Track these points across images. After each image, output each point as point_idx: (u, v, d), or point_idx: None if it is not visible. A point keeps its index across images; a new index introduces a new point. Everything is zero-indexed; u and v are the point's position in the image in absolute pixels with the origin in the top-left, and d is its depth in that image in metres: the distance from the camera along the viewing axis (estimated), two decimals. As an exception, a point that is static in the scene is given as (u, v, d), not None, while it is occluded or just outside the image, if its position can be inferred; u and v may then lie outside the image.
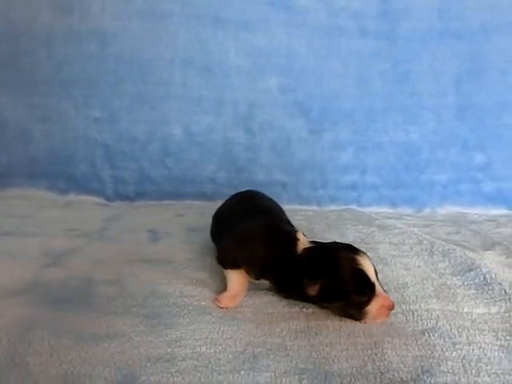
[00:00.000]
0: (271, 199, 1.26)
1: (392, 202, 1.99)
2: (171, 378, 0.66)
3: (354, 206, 1.97)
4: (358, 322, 0.85)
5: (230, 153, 1.96)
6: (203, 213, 1.61)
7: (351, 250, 0.87)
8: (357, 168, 2.00)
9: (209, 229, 1.25)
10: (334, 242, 0.95)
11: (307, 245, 0.91)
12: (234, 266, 0.95)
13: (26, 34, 1.86)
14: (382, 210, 1.96)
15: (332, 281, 0.83)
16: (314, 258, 0.87)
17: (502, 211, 1.90)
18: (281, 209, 1.22)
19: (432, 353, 0.76)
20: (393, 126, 1.98)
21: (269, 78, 1.96)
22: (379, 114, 1.98)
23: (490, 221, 1.73)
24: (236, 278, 0.94)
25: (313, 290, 0.85)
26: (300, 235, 0.94)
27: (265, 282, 0.95)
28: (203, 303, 0.90)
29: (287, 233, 0.95)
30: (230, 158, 1.96)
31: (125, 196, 1.91)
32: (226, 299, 0.91)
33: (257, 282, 0.96)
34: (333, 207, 1.96)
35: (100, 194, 1.90)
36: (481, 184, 1.96)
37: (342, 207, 1.95)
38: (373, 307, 0.83)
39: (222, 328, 0.80)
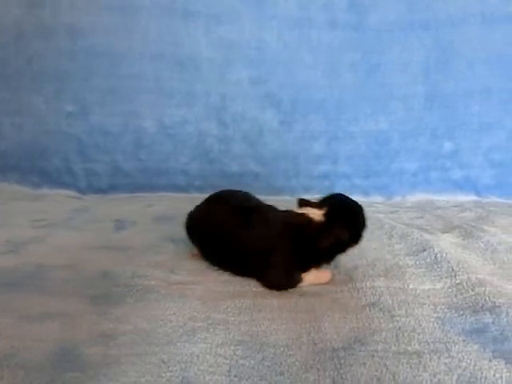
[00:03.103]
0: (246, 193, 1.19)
1: (363, 190, 2.02)
2: (107, 350, 0.69)
3: (326, 195, 1.99)
4: (302, 299, 0.88)
5: (203, 144, 1.98)
6: (173, 203, 1.64)
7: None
8: (329, 158, 2.02)
9: (176, 218, 1.24)
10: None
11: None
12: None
13: (-4, 29, 1.87)
14: (353, 199, 1.98)
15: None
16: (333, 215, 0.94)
17: (471, 197, 1.93)
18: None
19: (369, 325, 0.79)
20: (363, 115, 2.01)
21: (240, 70, 1.98)
22: (350, 105, 2.00)
23: (456, 206, 1.76)
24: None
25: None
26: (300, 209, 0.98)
27: None
28: (153, 282, 0.92)
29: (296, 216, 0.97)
30: (202, 149, 1.98)
31: (98, 189, 1.93)
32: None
33: None
34: (306, 197, 1.98)
35: (73, 188, 1.91)
36: (449, 172, 1.99)
37: (316, 196, 1.97)
38: None
39: (166, 305, 0.83)
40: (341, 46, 1.98)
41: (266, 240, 0.95)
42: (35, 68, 1.89)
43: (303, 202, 1.01)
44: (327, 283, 0.97)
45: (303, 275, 0.95)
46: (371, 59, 1.99)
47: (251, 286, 0.95)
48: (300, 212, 0.97)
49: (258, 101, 1.99)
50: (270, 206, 1.06)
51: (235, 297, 0.88)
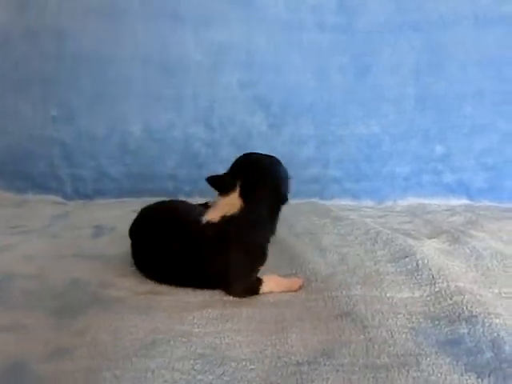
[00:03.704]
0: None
1: (354, 194, 1.98)
2: (60, 365, 0.66)
3: (316, 199, 1.96)
4: (273, 308, 0.85)
5: (191, 149, 1.95)
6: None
7: None
8: (319, 161, 1.99)
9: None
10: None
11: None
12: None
13: (-19, 34, 1.85)
14: (344, 203, 1.95)
15: None
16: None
17: (463, 201, 1.89)
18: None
19: (339, 336, 0.76)
20: (353, 119, 1.98)
21: (229, 73, 1.95)
22: (340, 108, 1.97)
23: (446, 210, 1.72)
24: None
25: None
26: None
27: None
28: (120, 293, 0.89)
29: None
30: (190, 154, 1.95)
31: (84, 194, 1.90)
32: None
33: None
34: (295, 201, 1.95)
35: (58, 193, 1.89)
36: (441, 175, 1.95)
37: (305, 200, 1.94)
38: None
39: (130, 316, 0.80)
40: (330, 49, 1.95)
41: (208, 252, 0.90)
42: (21, 72, 1.87)
43: (212, 181, 0.95)
44: (297, 290, 0.93)
45: (265, 280, 0.93)
46: (361, 61, 1.96)
47: (222, 294, 0.92)
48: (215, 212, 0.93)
49: (246, 104, 1.97)
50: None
51: (204, 307, 0.85)
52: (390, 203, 1.94)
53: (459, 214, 1.64)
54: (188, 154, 1.95)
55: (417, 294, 0.92)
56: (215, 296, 0.91)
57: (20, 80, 1.87)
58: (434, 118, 1.95)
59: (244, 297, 0.90)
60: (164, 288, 0.93)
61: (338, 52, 1.95)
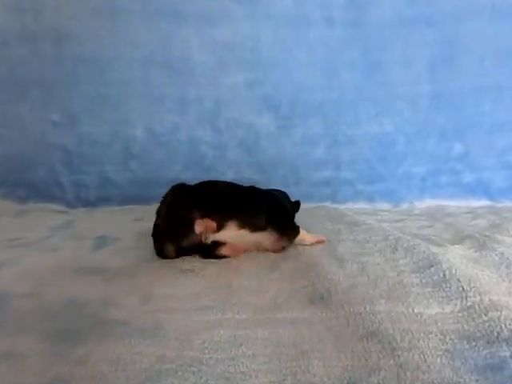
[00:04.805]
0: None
1: (369, 197, 1.91)
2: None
3: (328, 203, 1.88)
4: (291, 328, 0.78)
5: (197, 152, 1.89)
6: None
7: None
8: (330, 163, 1.92)
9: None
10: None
11: None
12: None
13: (-22, 37, 1.79)
14: (358, 206, 1.87)
15: None
16: None
17: (483, 202, 1.81)
18: None
19: (366, 361, 0.68)
20: (366, 117, 1.90)
21: (235, 72, 1.88)
22: (350, 106, 1.90)
23: (468, 213, 1.64)
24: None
25: None
26: None
27: None
28: (123, 313, 0.82)
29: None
30: (196, 157, 1.89)
31: (86, 202, 1.84)
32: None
33: None
34: (306, 205, 1.87)
35: (60, 201, 1.83)
36: (460, 175, 1.88)
37: (317, 204, 1.87)
38: None
39: (134, 341, 0.72)
40: (339, 44, 1.89)
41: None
42: (19, 76, 1.81)
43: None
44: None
45: None
46: (372, 57, 1.89)
47: (234, 311, 0.84)
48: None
49: (254, 104, 1.90)
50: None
51: (214, 328, 0.78)
52: (406, 205, 1.86)
53: (482, 216, 1.56)
54: (194, 157, 1.89)
55: (447, 309, 0.84)
56: (227, 313, 0.83)
57: (19, 84, 1.82)
58: (451, 115, 1.88)
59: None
60: (171, 305, 0.86)
61: (348, 48, 1.89)
